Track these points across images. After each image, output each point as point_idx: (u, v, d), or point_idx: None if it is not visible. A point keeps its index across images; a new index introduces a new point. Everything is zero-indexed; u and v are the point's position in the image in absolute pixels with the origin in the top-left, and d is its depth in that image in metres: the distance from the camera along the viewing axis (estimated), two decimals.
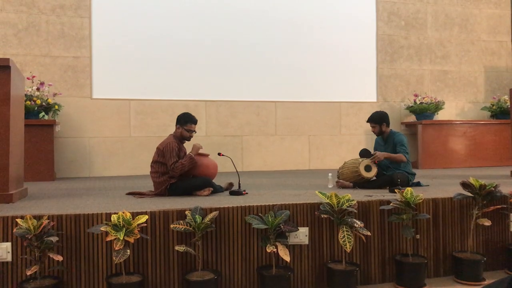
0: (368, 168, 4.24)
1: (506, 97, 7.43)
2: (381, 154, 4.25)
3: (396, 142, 4.37)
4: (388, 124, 4.47)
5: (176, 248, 2.83)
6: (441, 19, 7.70)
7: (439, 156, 7.06)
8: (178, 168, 3.80)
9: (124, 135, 6.38)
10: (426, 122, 7.03)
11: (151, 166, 3.96)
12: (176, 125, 4.01)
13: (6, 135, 3.43)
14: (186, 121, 3.98)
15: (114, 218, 2.71)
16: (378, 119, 4.44)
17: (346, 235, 2.94)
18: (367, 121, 4.54)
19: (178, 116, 4.04)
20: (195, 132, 4.07)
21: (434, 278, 3.43)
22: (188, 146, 4.07)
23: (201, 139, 6.14)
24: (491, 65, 7.95)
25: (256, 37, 6.89)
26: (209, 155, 4.23)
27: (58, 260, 2.65)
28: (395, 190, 3.41)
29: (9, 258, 2.75)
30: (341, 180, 4.38)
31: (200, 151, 4.03)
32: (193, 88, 6.64)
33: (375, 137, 4.69)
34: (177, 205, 3.18)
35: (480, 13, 7.90)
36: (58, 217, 2.85)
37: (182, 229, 2.84)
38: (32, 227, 2.59)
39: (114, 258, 2.60)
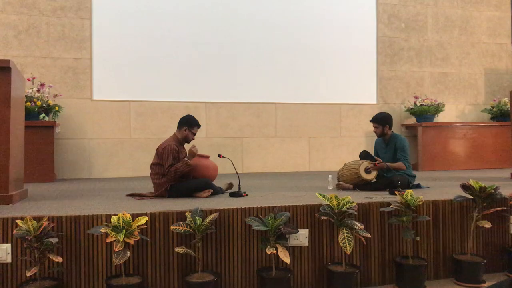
0: (368, 170, 4.23)
1: (506, 99, 7.43)
2: (381, 165, 4.24)
3: (398, 147, 4.35)
4: (391, 127, 4.46)
5: (176, 249, 2.83)
6: (441, 21, 7.71)
7: (439, 158, 7.06)
8: (172, 173, 3.80)
9: (124, 136, 6.38)
10: (426, 124, 7.03)
11: (151, 167, 3.96)
12: (182, 127, 4.01)
13: (6, 136, 3.43)
14: (193, 124, 4.02)
15: (114, 219, 2.71)
16: (382, 120, 4.42)
17: (346, 237, 2.94)
18: (371, 121, 4.51)
19: (183, 118, 4.04)
20: None
21: (434, 280, 3.42)
22: (187, 148, 4.07)
23: (202, 140, 6.15)
24: (491, 67, 7.95)
25: (256, 39, 6.89)
26: (209, 156, 4.23)
27: (58, 262, 2.65)
28: (395, 192, 3.41)
29: (8, 259, 2.75)
30: (341, 182, 4.38)
31: (200, 152, 4.04)
32: (193, 90, 6.65)
33: (375, 139, 4.68)
34: (177, 207, 3.18)
35: (480, 15, 7.91)
36: (58, 218, 2.85)
37: (182, 230, 2.84)
38: (32, 228, 2.59)
39: (114, 259, 2.60)
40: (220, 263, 3.06)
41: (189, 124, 4.01)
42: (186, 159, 3.90)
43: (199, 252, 2.92)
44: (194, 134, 4.05)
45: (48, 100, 5.65)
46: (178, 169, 3.80)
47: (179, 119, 4.06)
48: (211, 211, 3.03)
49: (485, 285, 3.23)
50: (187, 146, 4.10)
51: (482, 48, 7.92)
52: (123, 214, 2.74)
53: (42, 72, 6.07)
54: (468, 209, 3.53)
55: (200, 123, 4.10)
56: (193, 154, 3.93)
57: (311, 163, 7.09)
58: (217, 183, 4.19)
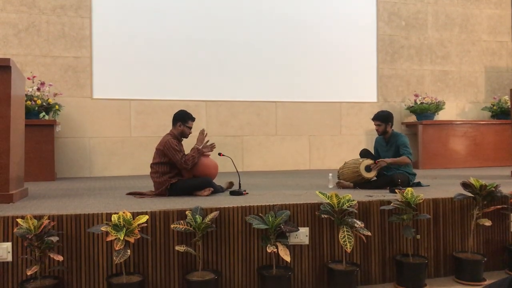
0: (368, 169, 4.23)
1: (507, 97, 7.42)
2: (384, 162, 4.23)
3: (400, 144, 4.35)
4: (392, 125, 4.46)
5: (177, 248, 2.83)
6: (441, 19, 7.70)
7: (439, 156, 7.05)
8: (190, 160, 3.83)
9: (124, 135, 6.38)
10: (427, 122, 7.03)
11: (151, 167, 3.95)
12: (176, 123, 4.00)
13: (6, 135, 3.43)
14: (186, 118, 4.01)
15: (114, 218, 2.71)
16: (384, 118, 4.41)
17: (346, 235, 2.94)
18: (373, 119, 4.48)
19: (176, 115, 4.04)
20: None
21: (434, 278, 3.43)
22: (185, 145, 4.07)
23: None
24: (492, 65, 7.94)
25: (256, 37, 6.89)
26: (209, 155, 4.23)
27: (58, 260, 2.65)
28: (396, 191, 3.41)
29: (9, 258, 2.75)
30: (341, 181, 4.37)
31: None
32: (194, 88, 6.64)
33: (375, 137, 4.68)
34: (178, 205, 3.18)
35: (480, 13, 7.89)
36: (59, 217, 2.85)
37: (183, 229, 2.84)
38: (32, 227, 2.59)
39: (114, 258, 2.60)
40: (220, 261, 3.07)
41: (182, 119, 4.00)
42: (196, 146, 3.92)
43: (199, 251, 2.92)
44: (190, 128, 4.04)
45: (48, 98, 5.65)
46: (194, 156, 3.87)
47: (173, 116, 4.06)
48: (211, 210, 3.03)
49: (486, 283, 3.23)
50: (186, 143, 4.10)
51: (482, 46, 7.91)
52: (124, 212, 2.74)
53: (42, 71, 6.07)
54: (469, 207, 3.53)
55: (194, 116, 4.07)
56: (201, 140, 3.95)
57: (311, 162, 7.09)
58: (218, 181, 4.19)
